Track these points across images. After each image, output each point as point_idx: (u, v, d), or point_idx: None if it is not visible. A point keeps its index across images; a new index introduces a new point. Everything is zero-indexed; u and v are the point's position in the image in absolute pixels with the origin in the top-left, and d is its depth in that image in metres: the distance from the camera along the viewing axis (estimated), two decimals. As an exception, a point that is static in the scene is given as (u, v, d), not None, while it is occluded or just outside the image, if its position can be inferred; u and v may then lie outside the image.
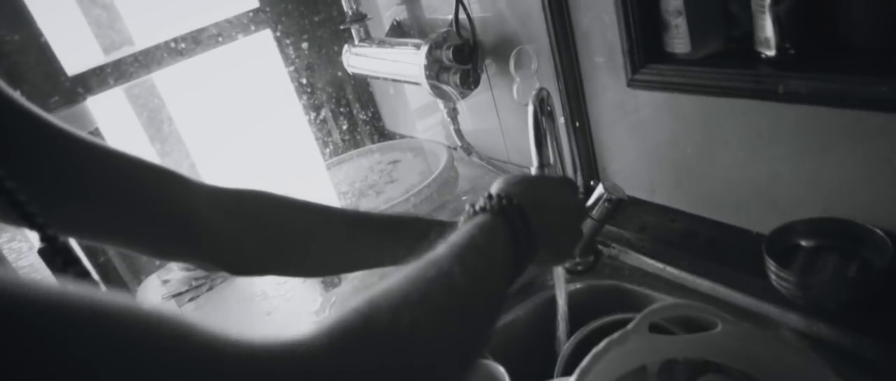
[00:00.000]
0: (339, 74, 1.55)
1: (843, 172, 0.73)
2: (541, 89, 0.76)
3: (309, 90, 1.53)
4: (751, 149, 0.80)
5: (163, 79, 1.61)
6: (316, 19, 1.46)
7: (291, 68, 1.52)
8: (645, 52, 0.84)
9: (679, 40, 0.81)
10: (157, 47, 1.45)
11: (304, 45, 1.46)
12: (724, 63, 0.78)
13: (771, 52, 0.73)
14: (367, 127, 1.61)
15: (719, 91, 0.78)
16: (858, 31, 0.69)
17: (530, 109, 0.74)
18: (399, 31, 1.32)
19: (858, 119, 0.67)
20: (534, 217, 0.53)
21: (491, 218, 0.51)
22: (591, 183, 1.03)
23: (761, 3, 0.71)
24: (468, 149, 1.21)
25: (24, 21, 1.20)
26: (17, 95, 0.52)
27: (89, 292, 0.24)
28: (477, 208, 0.53)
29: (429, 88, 1.10)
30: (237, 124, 1.86)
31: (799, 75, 0.69)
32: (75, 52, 1.44)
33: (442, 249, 0.46)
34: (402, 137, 1.60)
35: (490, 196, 0.54)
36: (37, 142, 0.51)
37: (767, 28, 0.72)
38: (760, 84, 0.73)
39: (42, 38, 1.23)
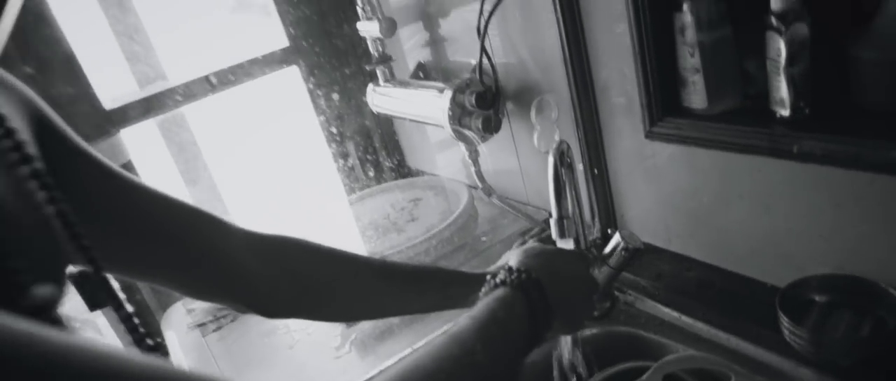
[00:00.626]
0: (367, 122, 1.60)
1: (857, 231, 0.74)
2: (561, 142, 0.78)
3: (338, 139, 1.57)
4: (766, 203, 0.82)
5: (193, 111, 1.66)
6: (347, 72, 1.51)
7: (322, 118, 1.57)
8: (662, 105, 0.87)
9: (696, 96, 0.83)
10: (189, 83, 1.50)
11: (336, 96, 1.50)
12: (740, 120, 0.80)
13: (786, 112, 0.75)
14: (393, 173, 1.65)
15: (735, 147, 0.80)
16: (871, 94, 0.71)
17: (550, 161, 0.76)
18: (422, 72, 1.36)
19: (871, 181, 0.69)
20: (550, 290, 0.56)
21: (511, 292, 0.54)
22: (609, 231, 1.05)
23: (776, 65, 0.74)
24: (488, 191, 1.24)
25: (74, 73, 1.26)
26: (68, 129, 0.55)
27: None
28: (498, 280, 0.56)
29: (451, 132, 1.13)
30: (263, 158, 1.91)
31: (813, 136, 0.71)
32: (110, 83, 1.50)
33: (465, 323, 0.48)
34: (423, 174, 1.63)
35: (510, 270, 0.56)
36: (82, 176, 0.54)
37: (782, 89, 0.74)
38: (775, 143, 0.75)
39: (90, 89, 1.29)
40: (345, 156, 1.63)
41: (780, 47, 0.72)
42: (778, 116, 0.76)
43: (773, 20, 0.72)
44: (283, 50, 1.54)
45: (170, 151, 1.74)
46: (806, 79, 0.73)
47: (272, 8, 1.54)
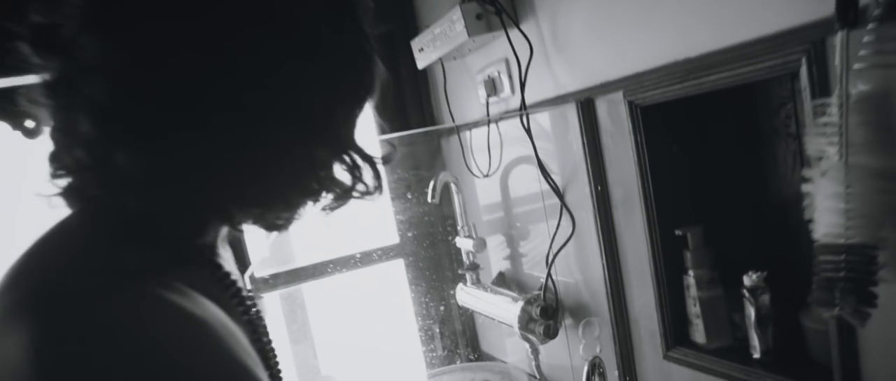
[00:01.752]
0: (453, 312, 1.97)
1: (809, 450, 1.02)
2: (595, 358, 1.11)
3: (426, 321, 1.95)
4: (748, 421, 1.11)
5: (309, 288, 2.07)
6: (441, 270, 1.91)
7: (415, 304, 1.96)
8: (675, 337, 1.20)
9: (698, 335, 1.16)
10: (311, 266, 1.92)
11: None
12: (727, 356, 1.11)
13: (758, 355, 1.07)
14: (469, 355, 1.99)
15: (723, 376, 1.11)
16: (814, 351, 1.02)
17: (584, 371, 1.09)
18: (502, 280, 1.73)
19: (811, 414, 0.98)
20: None
21: None
22: (635, 427, 1.34)
23: (750, 322, 1.06)
24: (544, 382, 1.55)
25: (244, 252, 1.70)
26: None
27: None
28: None
29: (519, 334, 1.48)
30: (359, 328, 2.27)
31: (771, 376, 1.02)
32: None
33: None
34: (493, 358, 1.95)
35: None
36: None
37: (755, 339, 1.06)
38: (748, 377, 1.06)
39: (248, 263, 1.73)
40: (430, 336, 1.98)
41: (751, 312, 1.05)
42: (754, 356, 1.08)
43: (746, 292, 1.06)
44: (393, 246, 1.97)
45: (284, 314, 2.14)
46: (770, 334, 1.05)
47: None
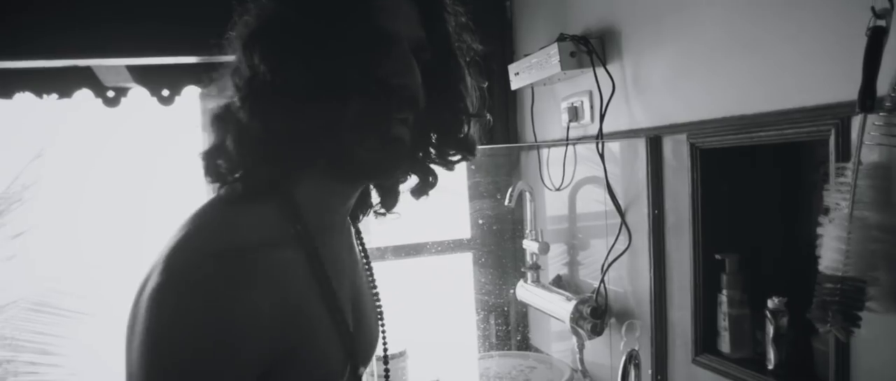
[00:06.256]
0: (510, 305, 2.21)
1: (804, 450, 1.22)
2: (632, 350, 1.35)
3: (485, 310, 2.20)
4: (757, 422, 1.32)
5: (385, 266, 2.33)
6: (505, 265, 2.16)
7: (478, 293, 2.21)
8: (704, 344, 1.41)
9: (724, 344, 1.38)
10: (391, 247, 2.18)
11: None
12: (747, 365, 1.33)
13: (771, 367, 1.28)
14: (519, 345, 2.23)
15: (739, 380, 1.32)
16: (820, 368, 1.23)
17: (622, 361, 1.32)
18: (559, 281, 1.97)
19: (808, 418, 1.19)
20: None
21: None
22: (660, 417, 1.56)
23: (768, 338, 1.28)
24: (585, 373, 1.78)
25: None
26: None
27: None
28: None
29: (569, 328, 1.72)
30: (424, 311, 2.52)
31: (780, 384, 1.24)
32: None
33: None
34: (541, 351, 2.19)
35: None
36: None
37: (771, 352, 1.28)
38: (761, 383, 1.27)
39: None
40: (486, 323, 2.23)
41: (770, 330, 1.27)
42: (768, 368, 1.29)
43: (768, 314, 1.27)
44: (465, 240, 2.23)
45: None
46: (784, 351, 1.26)
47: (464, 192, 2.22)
